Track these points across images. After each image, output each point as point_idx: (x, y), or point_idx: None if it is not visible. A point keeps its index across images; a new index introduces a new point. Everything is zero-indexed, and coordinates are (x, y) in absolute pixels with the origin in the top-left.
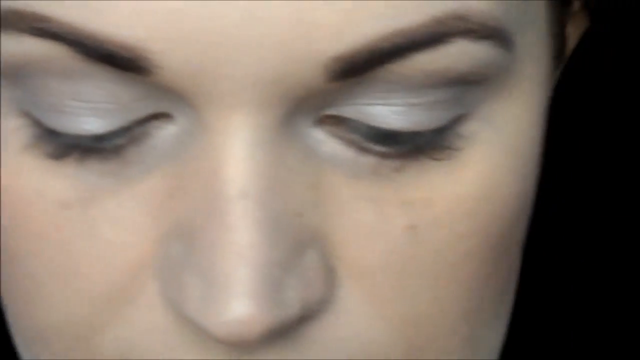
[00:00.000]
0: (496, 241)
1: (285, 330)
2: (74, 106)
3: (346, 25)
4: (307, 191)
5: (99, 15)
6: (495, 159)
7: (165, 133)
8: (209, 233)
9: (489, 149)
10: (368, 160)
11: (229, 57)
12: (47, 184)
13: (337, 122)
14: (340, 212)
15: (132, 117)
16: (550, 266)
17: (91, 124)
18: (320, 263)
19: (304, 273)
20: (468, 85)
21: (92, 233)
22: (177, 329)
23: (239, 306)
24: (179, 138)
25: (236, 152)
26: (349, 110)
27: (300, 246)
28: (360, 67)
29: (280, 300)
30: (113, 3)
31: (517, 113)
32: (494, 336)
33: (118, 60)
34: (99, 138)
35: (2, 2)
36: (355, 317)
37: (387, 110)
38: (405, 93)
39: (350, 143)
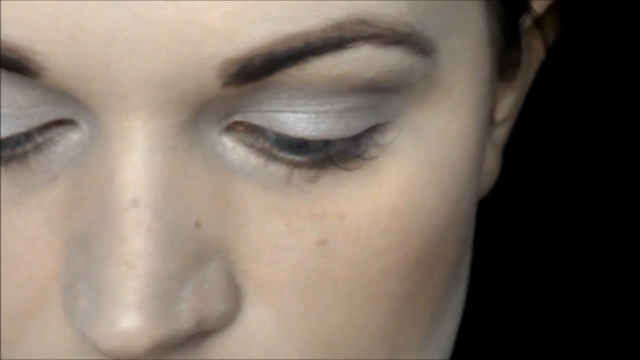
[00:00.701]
0: (418, 259)
1: (180, 345)
2: None
3: (238, 27)
4: (210, 201)
5: None
6: (416, 171)
7: (69, 140)
8: (103, 242)
9: (409, 160)
10: (279, 170)
11: (115, 59)
12: None
13: (245, 129)
14: (247, 224)
15: (33, 122)
16: (549, 266)
17: None
18: (221, 277)
19: (201, 286)
20: (383, 93)
21: (1, 245)
22: (82, 345)
23: (126, 318)
24: (83, 145)
25: (131, 158)
26: (255, 117)
27: (199, 258)
28: (255, 71)
29: (171, 314)
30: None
31: (445, 123)
32: None
33: (5, 62)
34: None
35: None
36: (263, 334)
37: (295, 118)
38: (311, 100)
39: (260, 151)
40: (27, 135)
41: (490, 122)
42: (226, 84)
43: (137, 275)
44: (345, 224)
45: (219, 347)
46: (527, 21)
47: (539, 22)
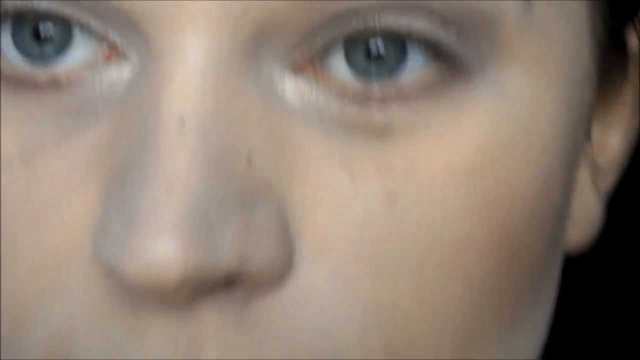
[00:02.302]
0: (501, 234)
1: (219, 298)
2: None
3: None
4: (264, 136)
5: None
6: (497, 129)
7: (117, 75)
8: (142, 167)
9: (491, 116)
10: (345, 118)
11: None
12: None
13: (314, 71)
14: (305, 170)
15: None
16: None
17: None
18: (273, 220)
19: (248, 223)
20: (470, 26)
21: (33, 192)
22: (111, 294)
23: (157, 243)
24: (132, 80)
25: (181, 76)
26: (324, 46)
27: (249, 194)
28: None
29: (211, 243)
30: None
31: (535, 91)
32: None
33: None
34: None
35: None
36: (318, 297)
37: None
38: (397, 18)
39: (329, 96)
40: (73, 66)
41: (587, 135)
42: None
43: (175, 196)
44: (416, 178)
45: (264, 310)
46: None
47: None
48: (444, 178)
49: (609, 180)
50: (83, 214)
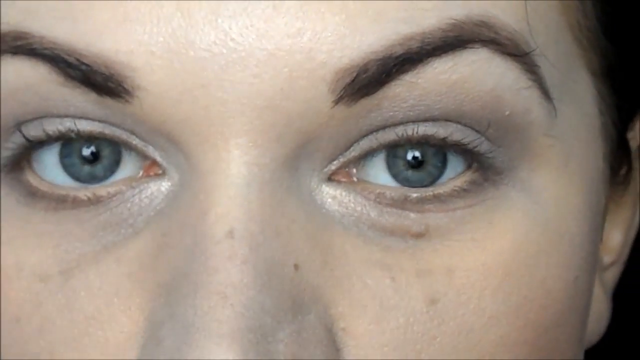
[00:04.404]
0: (538, 335)
1: None
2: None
3: (350, 32)
4: (308, 245)
5: (77, 26)
6: (530, 232)
7: (157, 191)
8: (192, 278)
9: (523, 219)
10: (383, 222)
11: (217, 74)
12: (26, 255)
13: (349, 181)
14: (348, 276)
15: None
16: None
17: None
18: (321, 329)
19: (299, 332)
20: (501, 130)
21: (72, 307)
22: None
23: (219, 349)
24: (171, 195)
25: (226, 190)
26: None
27: (298, 304)
28: (370, 80)
29: (267, 351)
30: (91, 12)
31: (563, 193)
32: None
33: (97, 80)
34: (87, 182)
35: None
36: None
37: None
38: (425, 111)
39: (364, 202)
40: (113, 182)
41: (601, 231)
42: (338, 99)
43: (231, 307)
44: (455, 281)
45: None
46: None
47: None
48: (481, 282)
49: (613, 277)
50: (127, 327)
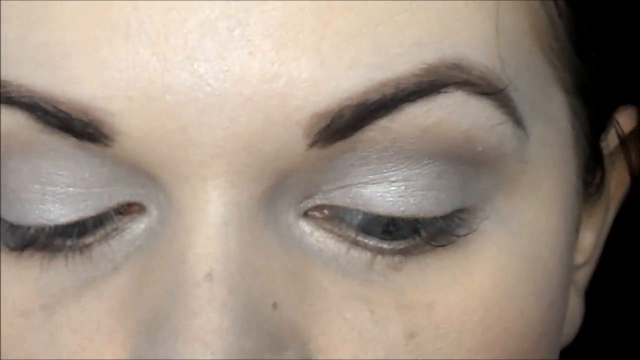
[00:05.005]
0: (515, 358)
1: None
2: (34, 190)
3: (325, 78)
4: (287, 282)
5: (54, 73)
6: (507, 264)
7: (136, 228)
8: (173, 320)
9: (499, 251)
10: (361, 256)
11: (195, 118)
12: (7, 290)
13: (326, 216)
14: (327, 311)
15: (101, 205)
16: None
17: (54, 212)
18: None
19: None
20: (474, 164)
21: (56, 343)
22: None
23: None
24: (150, 231)
25: (205, 231)
26: (339, 195)
27: (276, 342)
28: (345, 125)
29: None
30: (68, 59)
31: (534, 218)
32: None
33: (76, 126)
34: (65, 231)
35: None
36: None
37: (382, 192)
38: (401, 162)
39: (342, 237)
40: (95, 224)
41: (574, 245)
42: (313, 143)
43: (212, 352)
44: (434, 316)
45: None
46: (611, 143)
47: (623, 143)
48: (462, 317)
49: (585, 277)
50: None
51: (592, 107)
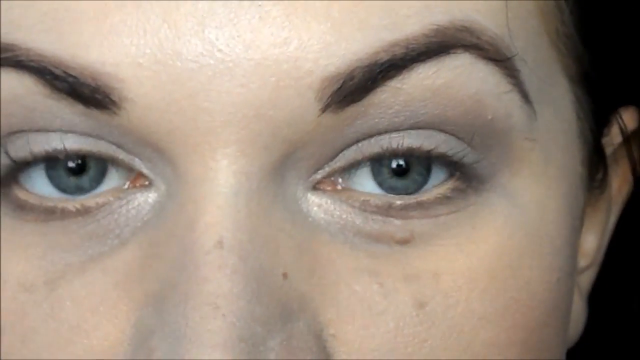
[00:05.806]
0: (525, 338)
1: None
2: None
3: (336, 40)
4: (296, 254)
5: (63, 38)
6: (512, 236)
7: (143, 202)
8: (182, 288)
9: (505, 223)
10: (368, 229)
11: (204, 85)
12: (11, 267)
13: (334, 189)
14: (336, 283)
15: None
16: None
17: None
18: (310, 337)
19: (289, 341)
20: (485, 139)
21: (56, 316)
22: None
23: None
24: (158, 206)
25: (214, 200)
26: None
27: (287, 312)
28: (357, 87)
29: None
30: (77, 25)
31: (542, 197)
32: None
33: (84, 92)
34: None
35: None
36: None
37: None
38: (410, 117)
39: (349, 211)
40: (100, 193)
41: (580, 234)
42: (325, 107)
43: (223, 315)
44: (441, 285)
45: None
46: (613, 141)
47: (626, 141)
48: (468, 285)
49: (589, 281)
50: (113, 335)
51: (595, 100)
